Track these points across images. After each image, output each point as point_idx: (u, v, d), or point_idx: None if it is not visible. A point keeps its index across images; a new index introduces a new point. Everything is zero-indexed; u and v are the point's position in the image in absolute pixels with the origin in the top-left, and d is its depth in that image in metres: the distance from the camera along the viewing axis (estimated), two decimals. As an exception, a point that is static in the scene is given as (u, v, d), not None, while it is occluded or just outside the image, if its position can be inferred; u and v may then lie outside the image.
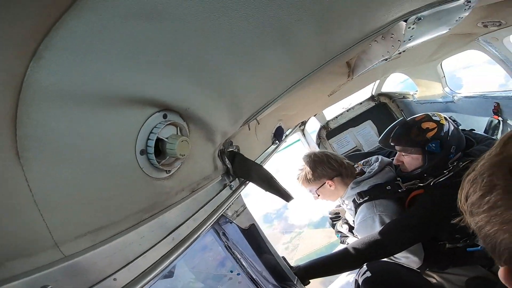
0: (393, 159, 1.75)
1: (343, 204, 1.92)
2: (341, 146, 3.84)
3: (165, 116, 0.68)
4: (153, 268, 0.71)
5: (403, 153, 1.61)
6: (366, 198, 1.61)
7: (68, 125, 0.47)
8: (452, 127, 1.53)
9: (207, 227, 0.94)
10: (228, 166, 1.21)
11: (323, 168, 1.77)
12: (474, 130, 1.79)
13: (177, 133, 0.73)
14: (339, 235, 1.93)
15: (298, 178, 1.89)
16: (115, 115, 0.55)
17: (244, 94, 0.83)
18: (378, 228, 1.49)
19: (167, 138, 0.69)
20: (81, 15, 0.36)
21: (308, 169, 1.82)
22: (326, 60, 1.02)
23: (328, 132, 3.84)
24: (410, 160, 1.59)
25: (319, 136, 3.84)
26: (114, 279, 0.62)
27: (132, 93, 0.54)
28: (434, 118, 1.56)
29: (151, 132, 0.65)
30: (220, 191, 1.14)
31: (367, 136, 3.82)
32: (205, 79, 0.65)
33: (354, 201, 1.71)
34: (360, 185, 1.68)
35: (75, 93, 0.44)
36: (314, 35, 0.78)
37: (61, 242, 0.53)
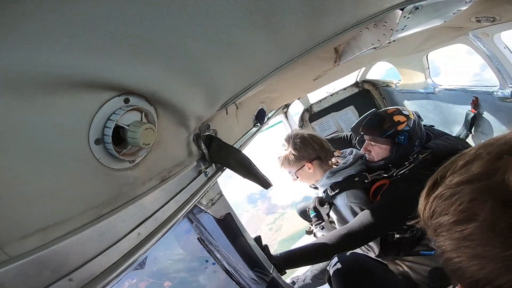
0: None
1: (317, 190, 1.98)
2: (322, 129, 3.89)
3: (126, 101, 0.60)
4: (115, 267, 0.65)
5: (372, 143, 1.68)
6: (337, 191, 1.70)
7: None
8: (417, 122, 1.64)
9: (177, 219, 0.88)
10: (204, 151, 1.13)
11: (305, 149, 1.79)
12: (433, 126, 1.94)
13: (141, 120, 0.65)
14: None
15: (279, 158, 1.90)
16: (61, 101, 0.46)
17: (220, 78, 0.75)
18: (349, 216, 1.59)
19: (128, 126, 0.60)
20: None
21: (290, 150, 1.83)
22: (313, 46, 0.95)
23: (311, 115, 3.87)
24: (378, 150, 1.67)
25: (302, 118, 3.86)
26: (70, 280, 0.56)
27: (82, 76, 0.45)
28: (404, 112, 1.64)
29: (108, 119, 0.57)
30: (194, 178, 1.07)
31: (348, 121, 3.87)
32: (175, 63, 0.57)
33: (326, 193, 1.78)
34: (335, 175, 1.74)
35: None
36: (301, 19, 0.70)
37: (4, 243, 0.47)
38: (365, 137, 1.72)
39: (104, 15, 0.38)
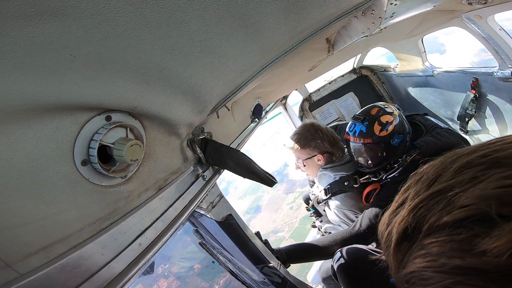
0: None
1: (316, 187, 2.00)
2: (324, 117, 3.86)
3: (108, 118, 0.59)
4: (119, 278, 0.68)
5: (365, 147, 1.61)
6: (329, 195, 1.72)
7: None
8: (401, 117, 1.57)
9: (177, 226, 0.89)
10: (200, 155, 1.12)
11: (322, 139, 1.75)
12: (427, 114, 1.84)
13: (126, 136, 0.64)
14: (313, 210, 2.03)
15: (292, 139, 1.83)
16: (36, 128, 0.46)
17: (204, 85, 0.73)
18: (336, 219, 1.69)
19: (113, 144, 0.60)
20: None
21: (306, 134, 1.78)
22: (299, 40, 0.92)
23: (311, 104, 3.84)
24: (372, 154, 1.60)
25: (301, 108, 3.82)
26: None
27: (53, 101, 0.45)
28: (387, 110, 1.56)
29: (91, 139, 0.57)
30: (192, 183, 1.07)
31: (349, 107, 3.83)
32: (147, 76, 0.55)
33: (321, 194, 1.82)
34: (327, 170, 1.75)
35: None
36: (280, 16, 0.68)
37: (12, 262, 0.50)
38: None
39: (62, 38, 0.37)
